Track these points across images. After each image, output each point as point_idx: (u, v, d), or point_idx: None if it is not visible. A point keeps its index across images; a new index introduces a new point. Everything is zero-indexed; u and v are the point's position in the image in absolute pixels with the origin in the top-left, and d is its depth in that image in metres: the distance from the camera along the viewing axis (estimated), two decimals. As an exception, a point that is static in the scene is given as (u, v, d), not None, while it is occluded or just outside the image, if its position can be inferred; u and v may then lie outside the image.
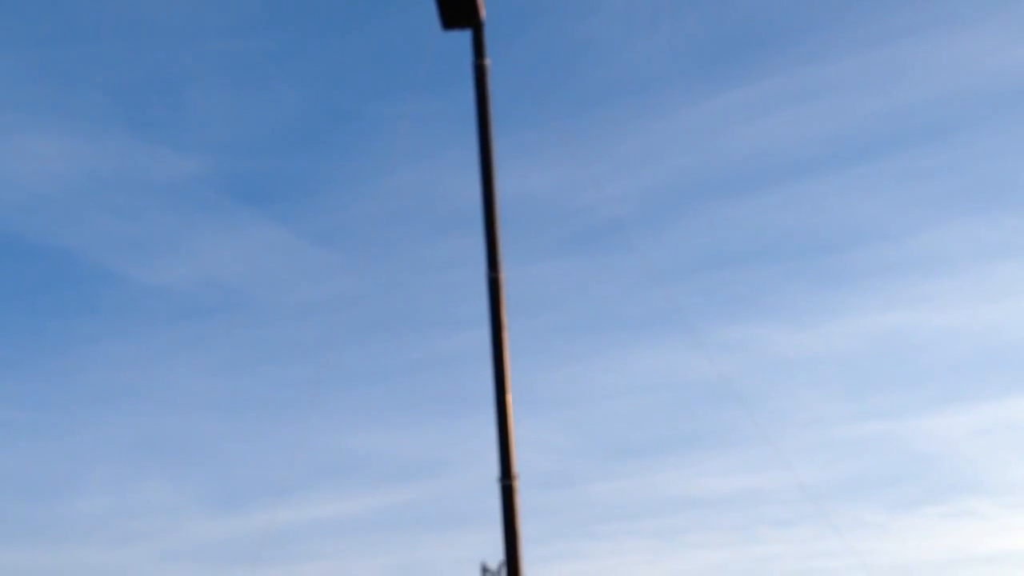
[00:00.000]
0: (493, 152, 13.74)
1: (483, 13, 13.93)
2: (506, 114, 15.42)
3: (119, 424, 31.65)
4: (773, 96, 33.41)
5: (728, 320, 34.13)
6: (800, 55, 33.28)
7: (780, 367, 34.24)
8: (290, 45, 34.18)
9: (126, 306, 34.25)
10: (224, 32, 33.97)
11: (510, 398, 13.21)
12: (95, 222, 33.84)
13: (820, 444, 34.08)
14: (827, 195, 33.37)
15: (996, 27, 32.21)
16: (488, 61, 13.97)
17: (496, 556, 13.74)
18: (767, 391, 33.59)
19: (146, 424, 32.16)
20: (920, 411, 33.86)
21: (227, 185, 34.56)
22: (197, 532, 32.03)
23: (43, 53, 33.23)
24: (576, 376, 34.99)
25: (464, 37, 14.20)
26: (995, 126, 32.66)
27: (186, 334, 34.66)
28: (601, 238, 34.15)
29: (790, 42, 33.60)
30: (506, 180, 14.57)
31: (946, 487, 33.17)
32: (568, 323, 34.13)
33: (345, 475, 33.05)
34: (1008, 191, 33.29)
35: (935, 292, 34.39)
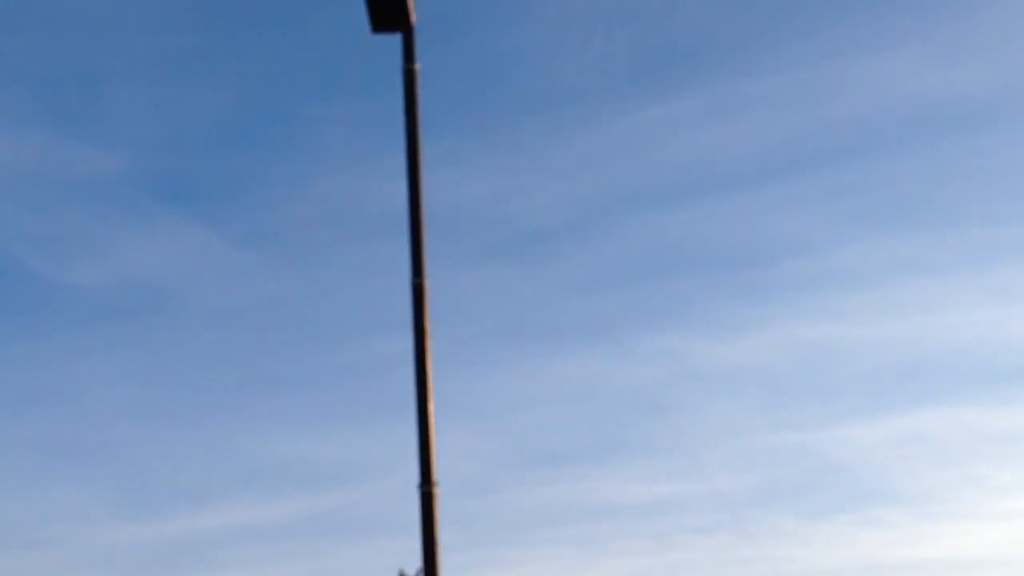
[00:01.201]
0: (420, 157, 13.70)
1: (414, 17, 13.89)
2: (437, 120, 15.38)
3: (30, 427, 30.88)
4: (702, 110, 33.86)
5: (653, 330, 34.42)
6: (729, 71, 33.78)
7: (702, 377, 34.60)
8: (219, 43, 33.72)
9: (41, 305, 33.44)
10: (151, 27, 33.40)
11: (431, 404, 13.17)
12: (10, 219, 33.00)
13: (739, 453, 34.54)
14: (752, 209, 33.91)
15: (914, 51, 33.09)
16: (418, 66, 13.92)
17: (415, 563, 13.71)
18: (689, 401, 33.93)
19: (59, 428, 31.41)
20: (835, 422, 34.47)
21: (150, 183, 33.97)
22: (110, 539, 31.39)
23: (-41, 43, 32.40)
24: (500, 383, 35.05)
25: (396, 40, 14.16)
26: (911, 146, 33.56)
27: (104, 335, 33.96)
28: (529, 246, 34.25)
29: (720, 58, 34.10)
30: (436, 186, 14.53)
31: (859, 496, 33.83)
32: (494, 330, 34.13)
33: (264, 481, 32.66)
34: (921, 209, 34.18)
35: (852, 306, 35.07)
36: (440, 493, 13.21)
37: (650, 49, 34.11)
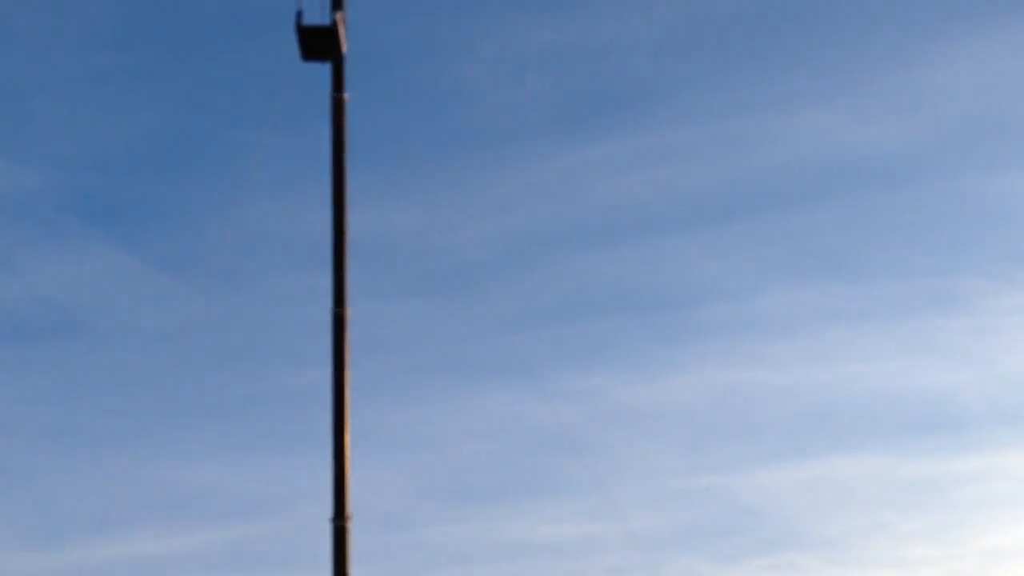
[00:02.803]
0: (346, 187, 13.68)
1: (344, 48, 13.88)
2: (366, 151, 15.33)
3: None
4: (632, 154, 34.31)
5: (573, 369, 34.51)
6: (660, 117, 34.32)
7: (621, 418, 34.77)
8: (147, 64, 33.28)
9: (-54, 322, 32.52)
10: (79, 44, 32.87)
11: (348, 437, 13.05)
12: (-80, 232, 32.11)
13: (655, 495, 34.69)
14: (677, 253, 34.38)
15: (838, 106, 34.00)
16: (347, 95, 13.90)
17: (325, 599, 13.49)
18: (607, 441, 34.05)
19: (-41, 450, 30.48)
20: (751, 466, 34.81)
21: (69, 203, 33.27)
22: (12, 567, 30.38)
23: None
24: (420, 418, 34.80)
25: (326, 70, 14.13)
26: (833, 199, 34.36)
27: (12, 356, 33.05)
28: (454, 281, 34.24)
29: (651, 104, 34.63)
30: (362, 217, 14.47)
31: (771, 540, 34.18)
32: (416, 364, 33.96)
33: (174, 510, 31.95)
34: (841, 260, 34.97)
35: (771, 352, 35.58)
36: (354, 527, 13.05)
37: (582, 92, 34.54)
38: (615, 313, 36.12)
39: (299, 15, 13.54)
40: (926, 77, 33.28)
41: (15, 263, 33.28)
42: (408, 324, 34.83)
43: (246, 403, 33.25)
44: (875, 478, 37.83)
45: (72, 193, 33.72)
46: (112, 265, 33.51)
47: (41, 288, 34.41)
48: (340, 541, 12.77)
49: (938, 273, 33.58)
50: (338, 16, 13.66)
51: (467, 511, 34.91)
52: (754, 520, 35.61)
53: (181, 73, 33.65)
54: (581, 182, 34.86)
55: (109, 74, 33.19)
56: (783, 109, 34.00)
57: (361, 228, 14.29)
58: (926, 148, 33.93)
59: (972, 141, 34.50)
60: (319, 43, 13.68)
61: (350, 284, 13.51)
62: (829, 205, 34.42)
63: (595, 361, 36.14)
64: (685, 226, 34.75)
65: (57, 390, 33.79)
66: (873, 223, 34.87)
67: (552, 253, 34.94)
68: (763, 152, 34.47)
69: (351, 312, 13.39)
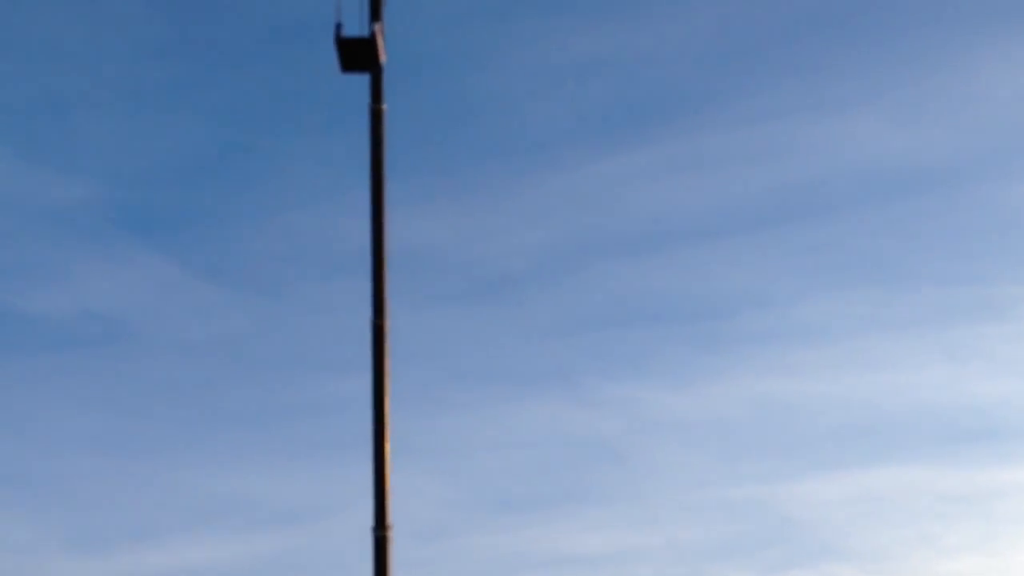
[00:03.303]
0: (384, 197, 13.74)
1: (383, 58, 13.96)
2: (405, 160, 15.42)
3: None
4: (669, 162, 34.21)
5: (612, 379, 34.44)
6: (697, 126, 34.19)
7: (661, 428, 34.63)
8: (190, 77, 33.64)
9: (0, 334, 33.00)
10: (123, 57, 33.30)
11: (388, 446, 13.09)
12: (-29, 246, 32.63)
13: (694, 505, 34.48)
14: (714, 262, 34.21)
15: (878, 112, 33.71)
16: (385, 106, 13.98)
17: (365, 608, 13.51)
18: (647, 451, 33.93)
19: (10, 458, 30.87)
20: (791, 477, 34.56)
21: (115, 214, 33.70)
22: (59, 573, 30.74)
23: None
24: (459, 427, 34.83)
25: (365, 80, 14.23)
26: (870, 206, 34.05)
27: (60, 366, 33.52)
28: (492, 290, 34.25)
29: (689, 113, 34.50)
30: (400, 226, 14.54)
31: (813, 552, 33.89)
32: (454, 374, 34.03)
33: (216, 519, 32.21)
34: (879, 268, 34.65)
35: (811, 361, 35.31)
36: (394, 537, 13.08)
37: (619, 101, 34.50)
38: (653, 322, 35.95)
39: (338, 27, 13.63)
40: (964, 82, 32.92)
41: (62, 274, 33.74)
42: (447, 334, 34.90)
43: (287, 412, 33.45)
44: (918, 489, 37.29)
45: (118, 204, 34.16)
46: (157, 275, 33.86)
47: (88, 299, 34.85)
48: (381, 551, 12.80)
49: (979, 281, 33.15)
50: (376, 27, 13.75)
51: (507, 521, 34.87)
52: (795, 532, 35.26)
53: (224, 85, 34.00)
54: (618, 191, 34.79)
55: (153, 86, 33.60)
56: (819, 116, 33.77)
57: (400, 238, 14.37)
58: (966, 154, 33.56)
59: (1013, 147, 34.11)
60: (358, 55, 13.77)
61: (389, 293, 13.59)
62: (867, 213, 34.15)
63: (633, 370, 35.99)
64: (723, 234, 34.58)
65: (103, 399, 34.18)
66: (912, 230, 34.51)
67: (589, 262, 34.88)
68: (800, 160, 34.23)
69: (390, 321, 13.45)
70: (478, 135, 34.83)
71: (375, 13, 13.93)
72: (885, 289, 34.61)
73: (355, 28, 13.83)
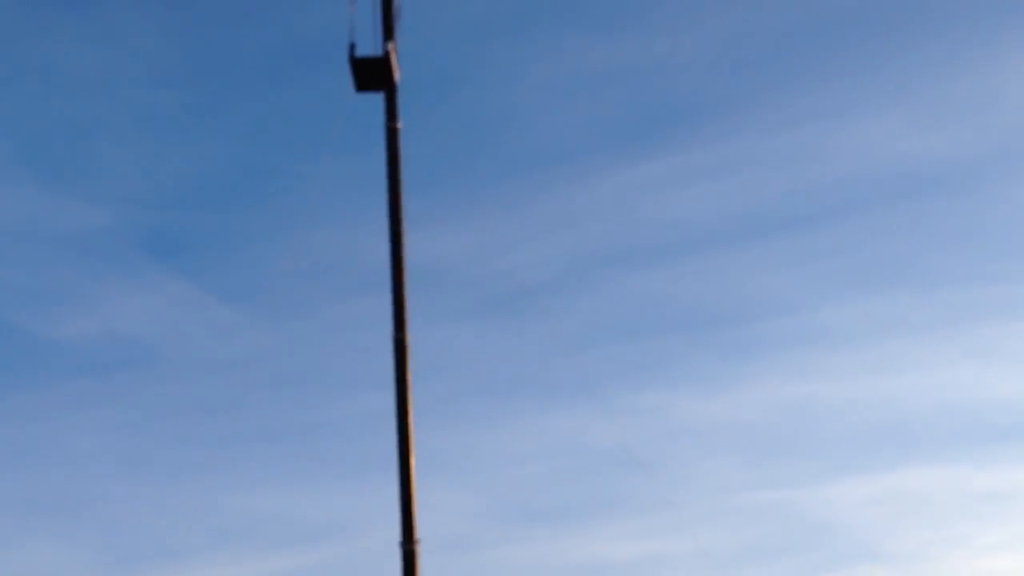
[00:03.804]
0: (402, 214, 13.86)
1: (397, 77, 14.09)
2: (423, 177, 15.53)
3: (10, 482, 30.63)
4: (687, 171, 34.24)
5: (635, 388, 34.41)
6: (715, 132, 34.22)
7: (685, 435, 34.58)
8: (207, 100, 33.97)
9: (24, 360, 33.28)
10: (140, 83, 33.67)
11: (413, 460, 13.18)
12: (-2, 273, 32.98)
13: (722, 511, 34.36)
14: (736, 268, 34.20)
15: (897, 115, 33.64)
16: (400, 124, 14.11)
17: (395, 622, 13.58)
18: (671, 458, 33.87)
19: (39, 483, 31.14)
20: (819, 480, 34.42)
21: (136, 238, 34.03)
22: (86, 594, 30.96)
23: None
24: (484, 440, 34.88)
25: (381, 99, 14.36)
26: (893, 208, 33.94)
27: (86, 390, 33.81)
28: (513, 303, 34.24)
29: (706, 119, 34.55)
30: (421, 243, 14.64)
31: (843, 555, 33.70)
32: (476, 387, 34.12)
33: (244, 537, 32.37)
34: (903, 270, 34.55)
35: (836, 365, 35.19)
36: (422, 550, 13.15)
37: (636, 110, 34.58)
38: (675, 330, 35.97)
39: (352, 47, 13.79)
40: (985, 84, 32.80)
41: (86, 299, 34.06)
42: (469, 347, 35.01)
43: (312, 429, 33.61)
44: (949, 489, 37.02)
45: (139, 229, 34.49)
46: (179, 298, 34.12)
47: (112, 323, 35.16)
48: (409, 564, 12.87)
49: (1005, 279, 32.94)
50: (390, 46, 13.90)
51: (533, 531, 34.88)
52: (824, 536, 35.07)
53: (240, 108, 34.32)
54: (637, 200, 34.84)
55: (170, 111, 33.95)
56: (840, 120, 33.72)
57: (420, 253, 14.47)
58: (987, 155, 33.41)
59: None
60: (372, 74, 13.91)
61: (410, 309, 13.69)
62: (889, 215, 34.05)
63: (657, 379, 35.98)
64: (743, 241, 34.56)
65: (128, 421, 34.43)
66: (935, 231, 34.39)
67: (610, 272, 34.92)
68: (820, 164, 34.18)
69: (411, 336, 13.55)
70: (495, 149, 34.96)
71: (388, 32, 14.09)
72: (908, 291, 34.47)
73: (369, 48, 14.01)
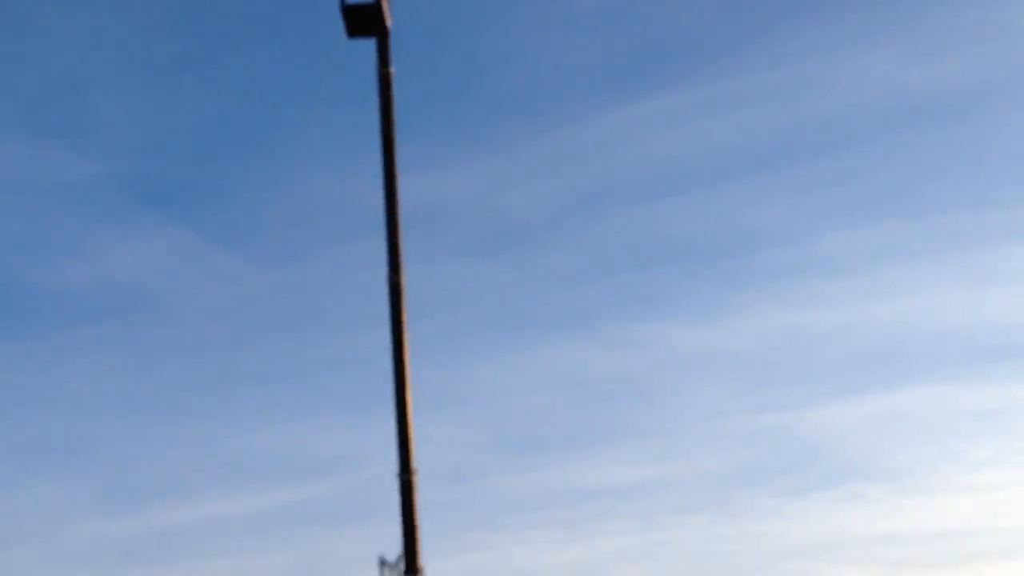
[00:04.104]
0: (396, 158, 14.08)
1: (389, 22, 14.28)
2: (419, 121, 15.84)
3: (13, 426, 31.36)
4: (684, 106, 34.32)
5: (633, 319, 34.96)
6: (711, 68, 34.23)
7: (683, 363, 35.19)
8: (198, 51, 33.99)
9: (23, 307, 33.84)
10: (132, 36, 33.68)
11: (409, 395, 13.64)
12: (-5, 224, 33.40)
13: (719, 436, 35.04)
14: (733, 201, 34.46)
15: (898, 46, 33.62)
16: (393, 69, 14.27)
17: (396, 550, 14.18)
18: (671, 387, 34.57)
19: (39, 426, 31.86)
20: (815, 403, 35.14)
21: (131, 187, 34.33)
22: (90, 532, 31.90)
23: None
24: (484, 374, 35.46)
25: (373, 45, 14.52)
26: (891, 138, 34.10)
27: (87, 335, 34.45)
28: (511, 241, 34.67)
29: (701, 55, 34.54)
30: (417, 185, 14.92)
31: (837, 473, 34.56)
32: (477, 322, 34.65)
33: (244, 473, 33.20)
34: (899, 198, 34.77)
35: (834, 292, 35.65)
36: (421, 481, 13.65)
37: (631, 48, 34.55)
38: (673, 262, 36.39)
39: None
40: (987, 13, 32.74)
41: (83, 248, 34.53)
42: (469, 284, 35.45)
43: (311, 369, 34.25)
44: (942, 408, 37.65)
45: (134, 178, 34.81)
46: (175, 245, 34.57)
47: (110, 270, 35.67)
48: (407, 494, 13.39)
49: (1000, 205, 33.20)
50: (381, -8, 14.06)
51: (534, 460, 35.61)
52: (819, 455, 35.81)
53: (232, 58, 34.41)
54: (636, 137, 35.01)
55: (164, 64, 34.07)
56: (837, 53, 33.70)
57: (417, 195, 14.75)
58: (987, 84, 33.42)
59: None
60: (364, 20, 14.10)
61: (409, 249, 14.00)
62: (888, 145, 34.22)
63: (655, 310, 36.47)
64: (741, 174, 34.77)
65: (129, 365, 35.11)
66: (932, 160, 34.55)
67: (608, 207, 35.21)
68: (821, 97, 34.24)
69: (410, 276, 13.90)
70: (491, 91, 35.03)
71: (379, -21, 14.23)
72: (907, 217, 34.76)
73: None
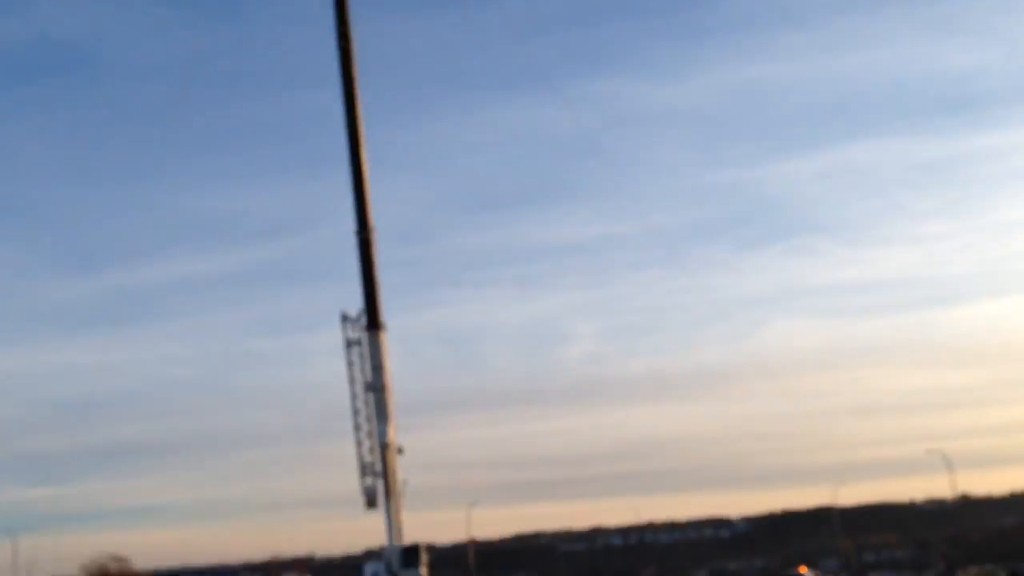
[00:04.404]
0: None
1: None
2: None
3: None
4: None
5: (589, 75, 34.67)
6: None
7: (638, 120, 35.23)
8: None
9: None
10: None
11: (364, 152, 13.60)
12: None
13: (674, 192, 35.57)
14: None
15: None
16: None
17: (357, 306, 14.42)
18: (625, 143, 34.69)
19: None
20: (766, 160, 35.61)
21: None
22: (48, 294, 32.18)
23: None
24: (438, 132, 35.26)
25: None
26: None
27: (24, 96, 33.67)
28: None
29: None
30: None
31: (789, 227, 35.55)
32: (429, 79, 34.26)
33: (200, 234, 33.35)
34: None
35: (788, 44, 35.45)
36: (382, 241, 13.85)
37: None
38: (631, 16, 35.76)
39: None
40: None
41: (18, 3, 33.14)
42: (419, 40, 34.76)
43: (260, 128, 33.91)
44: (891, 161, 38.38)
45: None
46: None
47: (41, 25, 34.27)
48: (366, 251, 13.59)
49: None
50: None
51: (489, 218, 36.08)
52: (772, 210, 36.59)
53: None
54: None
55: None
56: None
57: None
58: None
59: None
60: None
61: (357, 4, 13.63)
62: None
63: (610, 65, 36.07)
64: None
65: (71, 126, 34.43)
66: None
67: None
68: None
69: (359, 31, 13.57)
70: None
71: None
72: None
73: None
